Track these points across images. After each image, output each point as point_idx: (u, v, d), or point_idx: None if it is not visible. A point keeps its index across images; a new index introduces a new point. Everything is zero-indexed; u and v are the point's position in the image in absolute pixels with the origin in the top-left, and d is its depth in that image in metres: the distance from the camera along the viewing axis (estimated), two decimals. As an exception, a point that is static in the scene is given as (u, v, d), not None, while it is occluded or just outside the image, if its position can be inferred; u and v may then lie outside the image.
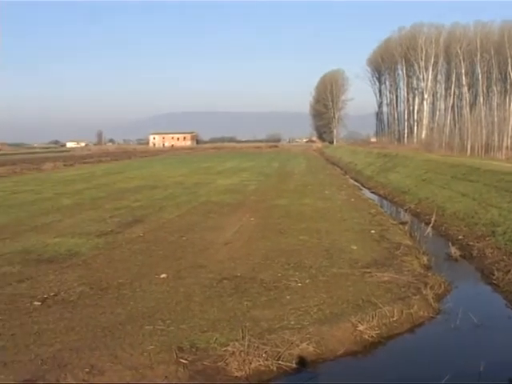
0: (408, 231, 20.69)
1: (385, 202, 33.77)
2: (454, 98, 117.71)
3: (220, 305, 11.44)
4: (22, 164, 71.53)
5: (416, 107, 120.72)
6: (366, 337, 10.35)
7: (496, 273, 14.85)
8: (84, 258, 15.79)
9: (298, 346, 9.47)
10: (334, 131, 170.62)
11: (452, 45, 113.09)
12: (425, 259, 15.99)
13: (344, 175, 52.73)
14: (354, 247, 16.89)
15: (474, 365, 9.21)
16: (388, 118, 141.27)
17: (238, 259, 15.36)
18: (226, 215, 23.80)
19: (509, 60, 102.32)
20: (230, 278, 13.36)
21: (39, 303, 11.66)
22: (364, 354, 10.03)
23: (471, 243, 18.78)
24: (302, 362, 9.26)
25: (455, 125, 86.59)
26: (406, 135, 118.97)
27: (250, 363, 8.86)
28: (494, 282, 14.48)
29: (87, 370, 8.40)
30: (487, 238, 18.69)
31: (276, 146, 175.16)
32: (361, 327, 10.44)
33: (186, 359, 8.80)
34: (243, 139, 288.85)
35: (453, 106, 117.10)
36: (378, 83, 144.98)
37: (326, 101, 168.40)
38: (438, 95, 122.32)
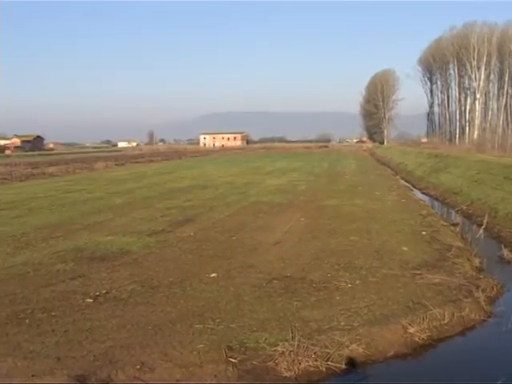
0: (459, 233, 20.42)
1: (436, 203, 33.36)
2: (506, 97, 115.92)
3: (270, 305, 11.44)
4: (74, 163, 72.46)
5: (468, 107, 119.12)
6: (417, 339, 10.23)
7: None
8: (135, 256, 15.94)
9: (347, 346, 9.41)
10: (385, 131, 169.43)
11: (505, 43, 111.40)
12: (477, 261, 15.73)
13: (394, 176, 52.25)
14: (405, 248, 16.73)
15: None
16: (439, 119, 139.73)
17: (287, 259, 15.34)
18: (276, 215, 23.80)
19: None
20: (279, 278, 13.34)
21: (91, 300, 11.81)
22: (414, 357, 9.91)
23: (525, 246, 18.46)
24: (352, 363, 9.20)
25: (508, 125, 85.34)
26: (457, 135, 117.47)
27: (300, 363, 8.84)
28: (548, 285, 14.23)
29: (138, 366, 8.50)
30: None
31: (326, 147, 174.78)
32: (411, 329, 10.33)
33: (235, 358, 8.81)
34: (293, 139, 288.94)
35: (506, 106, 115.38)
36: (429, 83, 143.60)
37: (377, 101, 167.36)
38: (491, 95, 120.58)
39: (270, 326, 10.11)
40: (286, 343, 9.14)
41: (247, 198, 30.19)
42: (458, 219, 24.45)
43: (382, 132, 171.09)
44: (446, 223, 22.64)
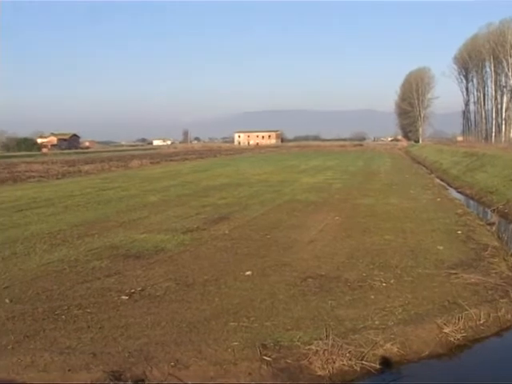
0: (495, 232, 20.20)
1: (471, 202, 33.03)
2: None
3: (304, 303, 11.42)
4: (109, 161, 73.03)
5: (504, 105, 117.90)
6: (452, 339, 10.14)
7: None
8: (170, 254, 16.02)
9: (381, 346, 9.37)
10: (420, 130, 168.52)
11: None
12: (513, 261, 15.59)
13: (429, 174, 51.83)
14: (440, 247, 16.60)
15: None
16: (475, 117, 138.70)
17: (322, 258, 15.31)
18: (311, 214, 23.75)
19: None
20: (314, 277, 13.32)
21: (126, 297, 11.90)
22: (449, 357, 9.83)
23: (562, 246, 18.22)
24: (386, 362, 9.16)
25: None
26: (493, 134, 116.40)
27: (334, 362, 8.82)
28: None
29: (172, 363, 8.54)
30: None
31: (361, 145, 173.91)
32: (446, 329, 10.25)
33: (269, 356, 8.81)
34: (327, 138, 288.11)
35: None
36: (464, 81, 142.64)
37: (412, 99, 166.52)
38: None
39: (304, 325, 10.10)
40: (321, 342, 9.12)
41: (282, 197, 30.19)
42: (494, 218, 24.13)
43: (417, 130, 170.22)
44: (481, 222, 22.40)
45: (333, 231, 19.43)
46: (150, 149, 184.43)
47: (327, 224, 20.89)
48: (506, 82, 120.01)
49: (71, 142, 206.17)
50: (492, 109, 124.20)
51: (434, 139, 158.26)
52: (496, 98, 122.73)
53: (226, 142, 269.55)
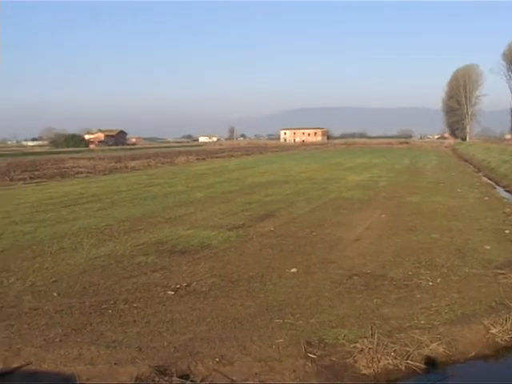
0: (545, 232, 19.90)
1: (520, 201, 32.63)
2: None
3: (349, 301, 11.38)
4: (156, 158, 73.62)
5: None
6: (499, 340, 9.98)
7: None
8: (215, 250, 16.09)
9: (427, 346, 9.27)
10: (467, 128, 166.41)
11: None
12: None
13: (477, 173, 51.10)
14: (488, 247, 16.38)
15: None
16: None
17: (368, 256, 15.24)
18: (356, 211, 23.65)
19: None
20: (359, 275, 13.26)
21: (172, 293, 11.99)
22: (496, 358, 9.67)
23: None
24: (432, 362, 9.06)
25: None
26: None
27: (379, 361, 8.76)
28: None
29: (217, 359, 8.57)
30: None
31: (407, 143, 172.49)
32: (493, 330, 10.10)
33: (314, 354, 8.79)
34: (373, 135, 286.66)
35: None
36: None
37: (459, 96, 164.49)
38: None
39: (349, 323, 10.06)
40: (366, 340, 9.07)
41: (327, 194, 30.11)
42: (544, 218, 23.79)
43: (465, 128, 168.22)
44: (530, 222, 22.07)
45: (378, 229, 19.33)
46: (196, 145, 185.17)
47: (373, 222, 20.79)
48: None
49: (118, 138, 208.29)
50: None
51: (481, 137, 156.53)
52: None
53: (272, 139, 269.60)
